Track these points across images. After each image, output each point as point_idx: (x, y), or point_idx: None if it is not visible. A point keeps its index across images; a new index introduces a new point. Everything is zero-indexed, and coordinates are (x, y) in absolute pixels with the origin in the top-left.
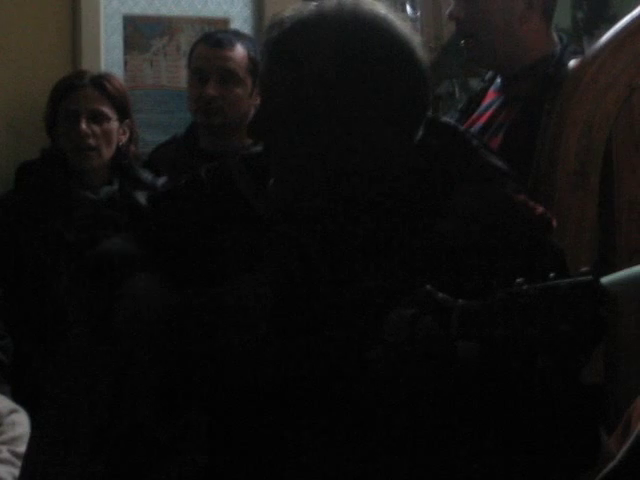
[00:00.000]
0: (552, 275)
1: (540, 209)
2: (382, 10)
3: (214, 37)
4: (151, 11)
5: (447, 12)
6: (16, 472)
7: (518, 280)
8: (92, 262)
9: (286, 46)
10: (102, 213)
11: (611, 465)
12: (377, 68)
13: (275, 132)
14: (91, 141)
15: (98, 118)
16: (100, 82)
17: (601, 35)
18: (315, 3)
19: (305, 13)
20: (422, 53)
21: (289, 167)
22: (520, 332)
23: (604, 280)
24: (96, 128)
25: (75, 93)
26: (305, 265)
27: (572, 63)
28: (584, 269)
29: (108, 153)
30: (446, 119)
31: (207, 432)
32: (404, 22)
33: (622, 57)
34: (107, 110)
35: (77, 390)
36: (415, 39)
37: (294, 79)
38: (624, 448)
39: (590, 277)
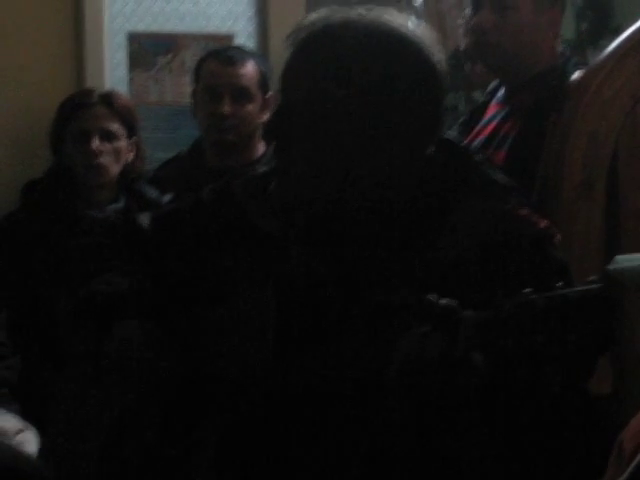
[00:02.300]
0: (559, 285)
1: (543, 222)
2: (408, 23)
3: (224, 54)
4: (155, 28)
5: (472, 23)
6: None
7: (525, 291)
8: (83, 303)
9: (312, 47)
10: (106, 236)
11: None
12: (395, 79)
13: (290, 133)
14: (102, 160)
15: (108, 136)
16: (109, 100)
17: (605, 46)
18: (345, 9)
19: (334, 18)
20: (441, 70)
21: (298, 168)
22: (528, 342)
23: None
24: (107, 146)
25: (85, 111)
26: (310, 281)
27: (576, 75)
28: (591, 278)
29: (117, 171)
30: (449, 136)
31: (214, 451)
32: (428, 38)
33: (626, 68)
34: (116, 128)
35: (84, 410)
36: (436, 55)
37: (314, 80)
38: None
39: (598, 286)
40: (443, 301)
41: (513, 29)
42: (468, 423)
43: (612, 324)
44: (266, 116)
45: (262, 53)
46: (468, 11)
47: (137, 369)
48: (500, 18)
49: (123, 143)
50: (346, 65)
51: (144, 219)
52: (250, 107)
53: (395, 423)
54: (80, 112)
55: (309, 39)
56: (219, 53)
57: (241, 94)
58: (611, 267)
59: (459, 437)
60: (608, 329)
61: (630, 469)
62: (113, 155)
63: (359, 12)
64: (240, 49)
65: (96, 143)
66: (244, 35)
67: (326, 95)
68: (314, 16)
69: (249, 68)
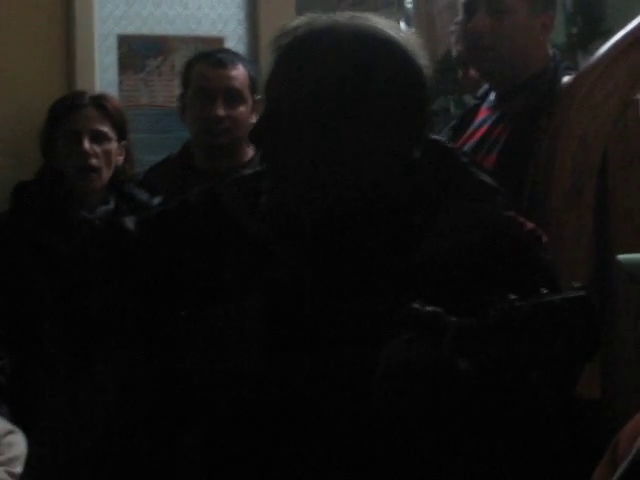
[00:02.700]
0: (545, 291)
1: (529, 225)
2: (392, 28)
3: (215, 57)
4: (145, 31)
5: (469, 25)
6: None
7: (510, 297)
8: (67, 324)
9: (296, 53)
10: (95, 239)
11: None
12: (381, 83)
13: (275, 137)
14: (93, 161)
15: (99, 138)
16: (100, 102)
17: (595, 50)
18: (328, 15)
19: (319, 24)
20: (426, 73)
21: (286, 173)
22: (514, 349)
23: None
24: (97, 148)
25: (76, 113)
26: (297, 286)
27: (566, 79)
28: (576, 284)
29: (108, 173)
30: (437, 137)
31: (202, 456)
32: (412, 41)
33: (616, 72)
34: (107, 130)
35: (73, 414)
36: (421, 59)
37: (299, 87)
38: (622, 466)
39: (583, 292)
40: (428, 308)
41: (508, 33)
42: (454, 430)
43: (597, 330)
44: (254, 118)
45: (252, 56)
46: (461, 16)
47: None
48: (495, 22)
49: (114, 145)
50: (330, 70)
51: (129, 222)
52: (242, 109)
53: (381, 429)
54: (71, 113)
55: (293, 44)
56: (209, 56)
57: (233, 96)
58: (622, 259)
59: (445, 444)
60: (593, 335)
61: (621, 470)
62: (104, 157)
63: (343, 17)
64: (228, 51)
65: (87, 145)
66: (234, 38)
67: (310, 100)
68: (297, 21)
69: (240, 70)
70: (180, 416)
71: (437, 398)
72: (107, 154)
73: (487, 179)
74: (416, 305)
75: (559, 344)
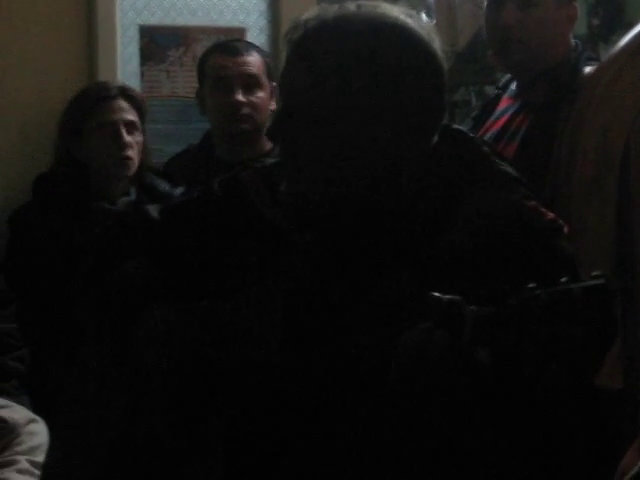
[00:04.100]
0: (564, 280)
1: (551, 215)
2: (403, 14)
3: (229, 45)
4: (167, 22)
5: (496, 20)
6: None
7: (530, 285)
8: (107, 290)
9: (309, 46)
10: (117, 230)
11: (633, 472)
12: (396, 71)
13: (293, 132)
14: (130, 152)
15: (131, 129)
16: (128, 93)
17: (617, 42)
18: (337, 5)
19: (328, 15)
20: (442, 58)
21: (304, 165)
22: (533, 337)
23: None
24: (131, 139)
25: (108, 104)
26: (317, 276)
27: (588, 69)
28: (595, 273)
29: (137, 163)
30: (458, 126)
31: (223, 443)
32: (424, 27)
33: (638, 64)
34: (136, 121)
35: (94, 401)
36: (435, 44)
37: (314, 79)
38: None
39: (602, 281)
40: (448, 297)
41: (536, 25)
42: (473, 420)
43: (616, 319)
44: (273, 105)
45: (274, 47)
46: (488, 9)
47: (164, 346)
48: (524, 15)
49: (141, 136)
50: (344, 60)
51: (153, 210)
52: (261, 95)
53: (399, 418)
54: (103, 105)
55: (305, 37)
56: (222, 46)
57: (251, 82)
58: None
59: (463, 433)
60: (613, 324)
61: None
62: (136, 147)
63: (353, 7)
64: (241, 40)
65: (126, 136)
66: (256, 29)
67: (325, 92)
68: (307, 14)
69: (255, 57)
70: (202, 403)
71: (455, 388)
72: (138, 144)
73: (508, 169)
74: (436, 294)
75: (578, 333)
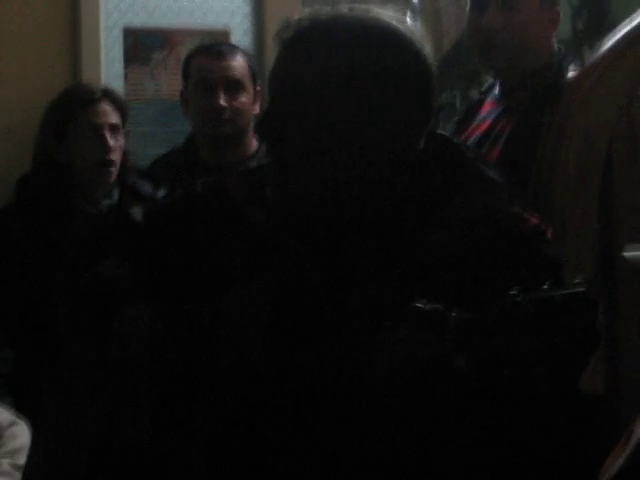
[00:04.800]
0: (546, 285)
1: (534, 220)
2: (395, 19)
3: (214, 48)
4: (151, 23)
5: (479, 24)
6: None
7: (512, 292)
8: (86, 289)
9: (299, 46)
10: (100, 231)
11: (610, 473)
12: (386, 75)
13: (281, 130)
14: (113, 156)
15: (114, 131)
16: (111, 96)
17: (601, 42)
18: (330, 8)
19: (321, 16)
20: (432, 65)
21: (290, 166)
22: (515, 344)
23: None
24: (114, 142)
25: (93, 107)
26: (301, 278)
27: (571, 72)
28: (577, 280)
29: (119, 166)
30: (441, 131)
31: (205, 445)
32: (416, 32)
33: (622, 66)
34: (119, 123)
35: (76, 403)
36: (426, 50)
37: (304, 79)
38: (626, 452)
39: (583, 288)
40: (430, 305)
41: (519, 29)
42: (455, 426)
43: (598, 326)
44: (258, 108)
45: (258, 49)
46: (470, 12)
47: (144, 349)
48: (507, 18)
49: (123, 139)
50: (334, 61)
51: (136, 213)
52: (244, 99)
53: (381, 424)
54: (87, 108)
55: (296, 37)
56: (207, 48)
57: (234, 86)
58: (628, 255)
59: (445, 440)
60: (595, 331)
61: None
62: (119, 150)
63: (347, 9)
64: (226, 44)
65: (110, 139)
66: (240, 31)
67: (315, 92)
68: (301, 15)
69: (239, 60)
70: (185, 405)
71: (437, 394)
72: (120, 147)
73: (492, 174)
74: (418, 302)
75: (560, 340)
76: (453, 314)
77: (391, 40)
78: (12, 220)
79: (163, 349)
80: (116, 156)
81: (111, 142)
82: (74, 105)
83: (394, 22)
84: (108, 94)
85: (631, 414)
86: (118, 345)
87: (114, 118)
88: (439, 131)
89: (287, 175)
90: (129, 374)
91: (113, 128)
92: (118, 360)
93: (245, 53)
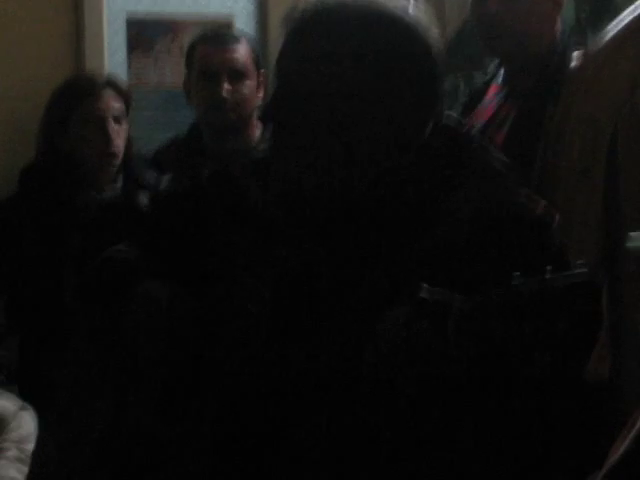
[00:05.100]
0: (549, 269)
1: (542, 205)
2: (401, 7)
3: (216, 37)
4: (154, 10)
5: (485, 8)
6: (25, 470)
7: (515, 277)
8: (97, 271)
9: (306, 31)
10: (106, 217)
11: (615, 457)
12: (391, 61)
13: (286, 115)
14: (116, 147)
15: (118, 120)
16: (114, 85)
17: (604, 27)
18: None
19: (326, 3)
20: (438, 53)
21: (296, 151)
22: (517, 330)
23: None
24: (118, 132)
25: (96, 98)
26: (305, 266)
27: (575, 56)
28: (580, 262)
29: (122, 154)
30: (448, 115)
31: (211, 432)
32: (422, 20)
33: (626, 53)
34: (123, 112)
35: (83, 391)
36: (432, 39)
37: (310, 64)
38: (630, 437)
39: (585, 271)
40: (433, 288)
41: (522, 14)
42: (455, 413)
43: (601, 311)
44: (262, 94)
45: (262, 34)
46: None
47: (154, 333)
48: (511, 2)
49: (126, 126)
50: (339, 47)
51: (143, 199)
52: (248, 86)
53: (381, 410)
54: (90, 98)
55: (303, 22)
56: (210, 36)
57: (238, 74)
58: (632, 245)
59: (446, 427)
60: (598, 316)
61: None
62: (123, 138)
63: None
64: (229, 32)
65: (113, 130)
66: (243, 16)
67: (321, 78)
68: (307, 1)
69: (242, 47)
70: (190, 392)
71: (438, 381)
72: (124, 135)
73: (499, 159)
74: (420, 288)
75: (563, 326)
76: (455, 300)
77: (395, 27)
78: (17, 210)
79: (175, 332)
80: (119, 146)
81: (113, 133)
82: (76, 96)
83: (400, 9)
84: (111, 83)
85: (634, 401)
86: (130, 326)
87: (117, 108)
88: (446, 114)
89: (290, 160)
90: (136, 360)
91: (116, 118)
92: (126, 349)
93: (248, 40)
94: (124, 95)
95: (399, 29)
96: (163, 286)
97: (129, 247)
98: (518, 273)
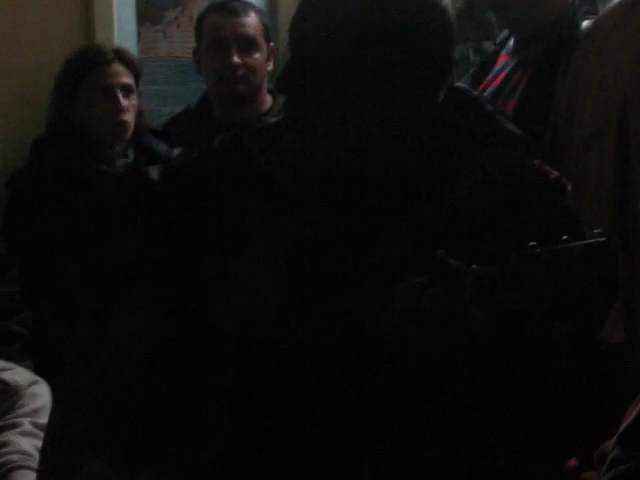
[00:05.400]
0: (565, 238)
1: (554, 173)
2: None
3: (226, 6)
4: None
5: None
6: (39, 444)
7: (531, 244)
8: (93, 268)
9: (321, 0)
10: (115, 194)
11: (628, 421)
12: (405, 26)
13: (302, 85)
14: (126, 116)
15: (127, 92)
16: (122, 56)
17: None
18: None
19: None
20: (451, 17)
21: (311, 119)
22: (534, 296)
23: None
24: (127, 102)
25: (105, 68)
26: (320, 234)
27: (585, 24)
28: (596, 231)
29: (133, 125)
30: (459, 84)
31: (227, 407)
32: None
33: (636, 17)
34: (132, 83)
35: (95, 369)
36: (444, 2)
37: (325, 32)
38: None
39: (603, 239)
40: (449, 257)
41: None
42: (473, 380)
43: (617, 276)
44: (271, 67)
45: (271, 4)
46: None
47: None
48: None
49: (136, 97)
50: (354, 13)
51: (154, 172)
52: (258, 56)
53: (398, 379)
54: (99, 68)
55: None
56: (219, 6)
57: (248, 44)
58: None
59: (463, 395)
60: (614, 281)
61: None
62: (132, 110)
63: None
64: (239, 1)
65: (122, 100)
66: None
67: (335, 45)
68: None
69: (252, 18)
70: (205, 367)
71: (455, 348)
72: (134, 107)
73: (512, 127)
74: (437, 256)
75: (579, 291)
76: (472, 267)
77: None
78: (29, 182)
79: (181, 309)
80: (130, 116)
81: (124, 102)
82: (86, 67)
83: None
84: (120, 54)
85: None
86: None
87: (127, 78)
88: (458, 84)
89: (305, 130)
90: (147, 340)
91: (126, 88)
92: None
93: (258, 10)
94: (133, 67)
95: None
96: (152, 286)
97: (129, 234)
98: (534, 241)
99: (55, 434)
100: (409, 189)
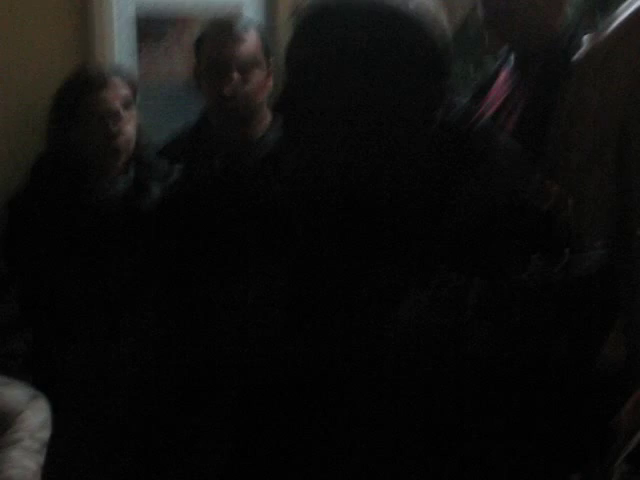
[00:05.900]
0: (567, 252)
1: (555, 188)
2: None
3: (226, 24)
4: (164, 0)
5: None
6: (40, 459)
7: (533, 256)
8: (94, 288)
9: (315, 23)
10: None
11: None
12: (401, 49)
13: (298, 109)
14: (120, 141)
15: (127, 105)
16: (119, 73)
17: (615, 9)
18: None
19: None
20: (443, 39)
21: (309, 141)
22: (535, 312)
23: None
24: (124, 120)
25: (97, 94)
26: (321, 255)
27: (585, 39)
28: (598, 244)
29: (132, 143)
30: (458, 103)
31: (230, 423)
32: (431, 12)
33: (636, 34)
34: (130, 99)
35: (98, 379)
36: (437, 26)
37: (324, 54)
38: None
39: (604, 253)
40: (451, 274)
41: (531, 0)
42: (472, 396)
43: (617, 292)
44: (271, 83)
45: (270, 21)
46: None
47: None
48: None
49: (135, 113)
50: (349, 39)
51: (155, 189)
52: (257, 75)
53: (400, 394)
54: (92, 95)
55: (312, 14)
56: (219, 24)
57: (247, 63)
58: None
59: (465, 407)
60: (616, 299)
61: None
62: (132, 124)
63: None
64: (237, 21)
65: (115, 125)
66: (252, 5)
67: (331, 68)
68: None
69: (251, 37)
70: (208, 385)
71: (456, 364)
72: (133, 118)
73: (512, 144)
74: (439, 272)
75: (582, 309)
76: (474, 282)
77: (400, 24)
78: (29, 203)
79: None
80: (127, 134)
81: (116, 128)
82: (80, 89)
83: (404, 6)
84: (116, 72)
85: None
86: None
87: (123, 96)
88: (457, 99)
89: (303, 151)
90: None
91: (127, 104)
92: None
93: (257, 28)
94: (130, 82)
95: (403, 25)
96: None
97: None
98: (536, 257)
99: (57, 452)
100: (411, 206)
